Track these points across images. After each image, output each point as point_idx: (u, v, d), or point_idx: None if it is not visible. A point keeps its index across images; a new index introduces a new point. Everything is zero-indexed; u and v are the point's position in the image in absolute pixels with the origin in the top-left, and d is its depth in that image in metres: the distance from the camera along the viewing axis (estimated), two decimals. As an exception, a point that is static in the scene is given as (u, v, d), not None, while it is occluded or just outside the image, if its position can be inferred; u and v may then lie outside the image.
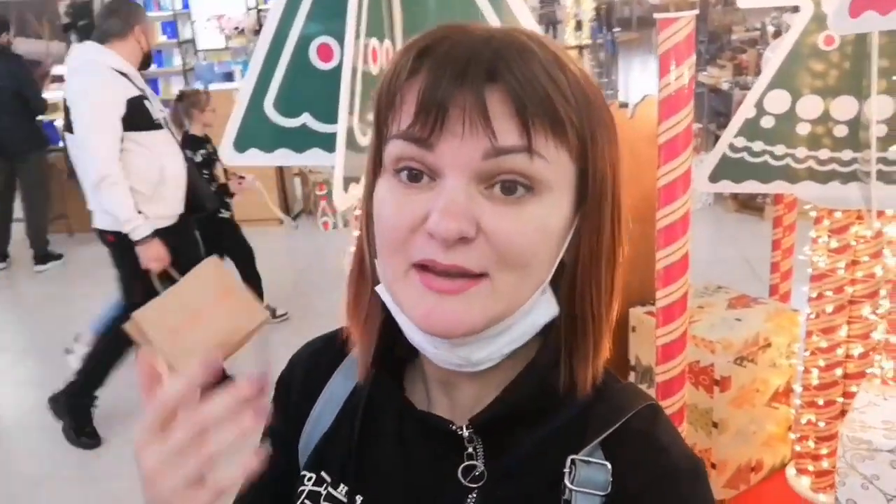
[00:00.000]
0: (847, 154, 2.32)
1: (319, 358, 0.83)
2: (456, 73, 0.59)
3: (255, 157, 2.09)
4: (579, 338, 0.68)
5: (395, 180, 0.63)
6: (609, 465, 0.65)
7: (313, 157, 2.05)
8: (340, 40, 1.96)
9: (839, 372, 2.48)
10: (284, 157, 2.07)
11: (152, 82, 7.45)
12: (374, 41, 1.83)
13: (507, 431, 0.69)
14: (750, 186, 2.43)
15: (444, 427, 0.69)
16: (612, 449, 0.66)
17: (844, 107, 2.28)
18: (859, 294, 2.40)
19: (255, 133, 2.05)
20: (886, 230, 1.78)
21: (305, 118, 2.02)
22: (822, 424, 2.53)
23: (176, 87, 8.95)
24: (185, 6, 9.36)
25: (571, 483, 0.64)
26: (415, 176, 0.62)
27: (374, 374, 0.73)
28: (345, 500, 0.73)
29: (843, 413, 2.54)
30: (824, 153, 2.35)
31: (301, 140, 2.04)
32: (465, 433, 0.69)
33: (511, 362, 0.68)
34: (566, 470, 0.65)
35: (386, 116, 0.64)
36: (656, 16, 1.80)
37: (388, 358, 0.73)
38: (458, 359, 0.66)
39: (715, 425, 2.52)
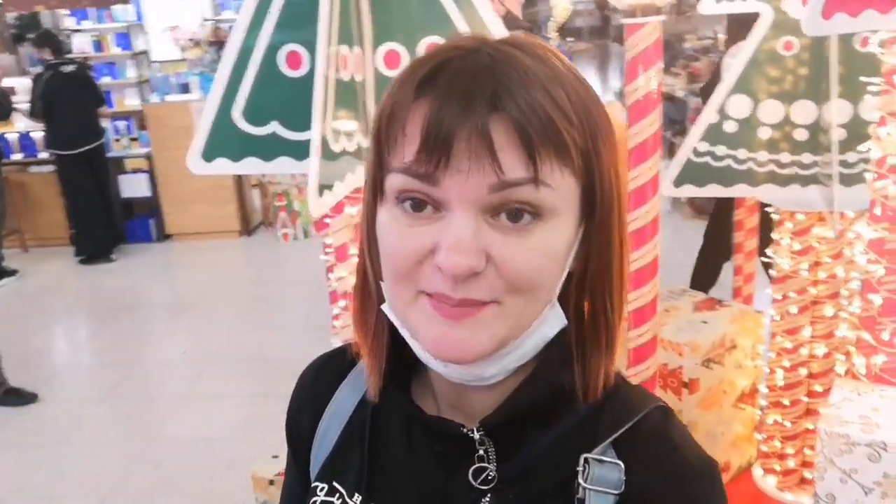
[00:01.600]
0: (807, 157, 2.37)
1: (325, 372, 0.83)
2: (460, 104, 0.58)
3: (222, 167, 2.05)
4: (590, 343, 0.68)
5: (398, 209, 0.62)
6: (622, 465, 0.65)
7: (282, 166, 2.03)
8: (309, 48, 1.95)
9: (804, 371, 2.53)
10: (253, 165, 2.04)
11: (106, 94, 7.30)
12: (344, 48, 1.82)
13: (518, 434, 0.68)
14: (713, 190, 2.46)
15: (455, 430, 0.69)
16: (624, 449, 0.66)
17: (804, 111, 2.34)
18: (822, 295, 2.45)
19: (223, 142, 2.02)
20: (857, 229, 1.82)
21: (274, 126, 2.00)
22: (787, 424, 2.57)
23: (130, 99, 8.81)
24: (139, 18, 9.23)
25: (585, 481, 0.64)
26: (418, 205, 0.61)
27: (382, 386, 0.72)
28: None
29: (808, 412, 2.59)
30: (785, 157, 2.40)
31: (269, 148, 2.01)
32: (476, 436, 0.68)
33: (522, 369, 0.68)
34: (580, 468, 0.65)
35: (386, 142, 0.63)
36: (624, 21, 1.82)
37: (396, 368, 0.72)
38: (469, 376, 0.67)
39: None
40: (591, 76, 14.16)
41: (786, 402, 2.56)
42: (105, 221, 6.89)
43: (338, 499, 0.74)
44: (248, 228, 7.41)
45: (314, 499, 0.76)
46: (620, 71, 10.41)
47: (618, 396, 0.70)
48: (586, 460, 0.65)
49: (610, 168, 0.64)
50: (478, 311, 0.61)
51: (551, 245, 0.62)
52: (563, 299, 0.67)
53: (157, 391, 4.47)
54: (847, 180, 2.23)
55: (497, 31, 1.91)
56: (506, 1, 2.62)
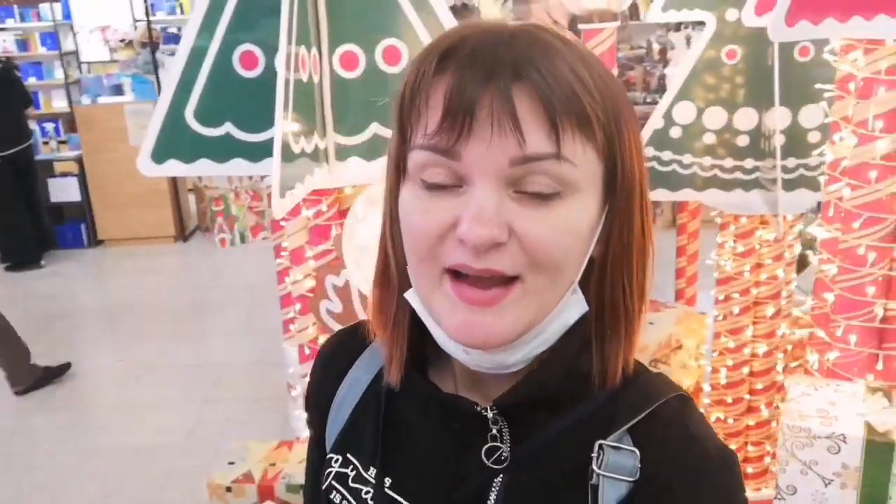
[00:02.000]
0: (749, 163, 2.46)
1: (344, 347, 0.83)
2: (482, 72, 0.58)
3: (174, 168, 2.00)
4: (610, 331, 0.68)
5: (420, 187, 0.62)
6: (637, 452, 0.65)
7: (236, 167, 1.99)
8: (264, 48, 1.93)
9: (746, 370, 2.62)
10: (205, 167, 2.00)
11: (34, 95, 7.05)
12: (302, 49, 1.80)
13: (533, 416, 0.68)
14: (659, 195, 2.53)
15: (469, 408, 0.69)
16: (640, 437, 0.66)
17: (746, 118, 2.42)
18: (763, 295, 2.54)
19: (175, 143, 1.97)
20: (811, 230, 1.89)
21: (228, 127, 1.96)
22: (730, 421, 2.65)
23: (57, 100, 8.53)
24: (67, 17, 8.94)
25: (599, 468, 0.64)
26: (441, 182, 0.61)
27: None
28: (374, 481, 0.73)
29: (749, 409, 2.68)
30: (728, 162, 2.48)
31: (223, 150, 1.98)
32: (490, 414, 0.68)
33: (542, 355, 0.68)
34: (594, 455, 0.65)
35: (409, 120, 0.63)
36: (581, 27, 1.86)
37: (416, 352, 0.72)
38: (491, 363, 0.66)
39: (634, 426, 2.59)
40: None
41: (728, 399, 2.64)
42: (33, 226, 6.64)
43: (352, 470, 0.74)
44: (183, 234, 7.25)
45: (329, 469, 0.76)
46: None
47: (636, 384, 0.70)
48: (601, 446, 0.65)
49: (632, 149, 0.64)
50: (502, 297, 0.61)
51: (574, 222, 0.62)
52: (584, 286, 0.67)
53: (94, 401, 4.33)
54: (787, 185, 2.32)
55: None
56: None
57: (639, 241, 0.67)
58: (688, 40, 5.18)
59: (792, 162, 2.38)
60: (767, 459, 2.68)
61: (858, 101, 1.56)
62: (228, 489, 1.91)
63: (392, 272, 0.70)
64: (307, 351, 2.13)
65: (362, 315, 1.75)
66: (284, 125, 1.68)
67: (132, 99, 6.82)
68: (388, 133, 2.01)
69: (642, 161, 0.66)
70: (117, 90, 7.02)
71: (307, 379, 2.29)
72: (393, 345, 0.72)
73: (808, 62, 2.38)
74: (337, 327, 1.81)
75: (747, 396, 2.65)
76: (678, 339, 2.71)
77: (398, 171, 0.66)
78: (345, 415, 0.78)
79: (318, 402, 0.83)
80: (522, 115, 0.58)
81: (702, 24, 2.47)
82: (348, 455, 0.76)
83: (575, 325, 0.67)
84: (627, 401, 0.68)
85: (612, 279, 0.67)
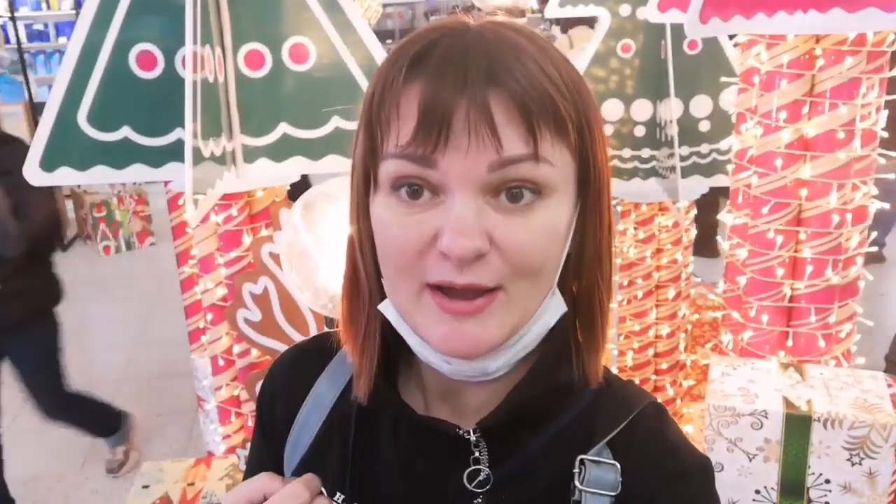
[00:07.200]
0: (646, 152, 2.55)
1: (301, 365, 0.79)
2: (455, 80, 0.57)
3: (66, 177, 1.89)
4: (586, 332, 0.67)
5: (393, 198, 0.60)
6: (618, 465, 0.64)
7: (136, 173, 1.90)
8: (162, 48, 1.85)
9: (651, 352, 2.72)
10: (102, 174, 1.89)
11: None
12: (207, 49, 1.73)
13: (514, 434, 0.67)
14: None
15: (450, 432, 0.66)
16: (620, 449, 0.66)
17: (641, 109, 2.51)
18: (664, 279, 2.64)
19: (67, 150, 1.86)
20: (720, 217, 1.98)
21: (126, 131, 1.86)
22: (638, 402, 2.75)
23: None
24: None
25: (581, 484, 0.63)
26: (415, 192, 0.59)
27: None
28: None
29: (655, 389, 2.78)
30: (626, 152, 2.57)
31: (121, 155, 1.87)
32: (473, 437, 0.66)
33: (519, 363, 0.66)
34: (576, 471, 0.64)
35: (378, 128, 0.60)
36: (488, 24, 1.86)
37: (385, 367, 0.69)
38: (473, 371, 0.64)
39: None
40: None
41: (636, 381, 2.73)
42: None
43: None
44: (62, 242, 6.86)
45: None
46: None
47: (610, 392, 0.69)
48: (582, 462, 0.64)
49: (601, 144, 0.64)
50: (485, 305, 0.60)
51: (552, 224, 0.61)
52: (559, 286, 0.66)
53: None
54: (682, 172, 2.42)
55: (364, 34, 1.89)
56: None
57: (607, 236, 0.67)
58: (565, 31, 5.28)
59: (685, 150, 2.49)
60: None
61: (763, 94, 1.65)
62: (147, 512, 1.82)
63: (363, 283, 0.67)
64: (221, 362, 2.06)
65: (284, 324, 1.71)
66: (193, 128, 1.61)
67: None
68: (296, 132, 1.96)
69: (607, 155, 0.66)
70: (-21, 92, 6.57)
71: (223, 392, 2.20)
72: (363, 356, 0.68)
73: (697, 55, 2.49)
74: (256, 337, 1.75)
75: (654, 377, 2.76)
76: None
77: (367, 183, 0.64)
78: (309, 437, 0.74)
79: (272, 422, 0.78)
80: (500, 121, 0.57)
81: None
82: None
83: (553, 329, 0.66)
84: (604, 411, 0.68)
85: (589, 278, 0.66)
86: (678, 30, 2.35)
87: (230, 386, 2.13)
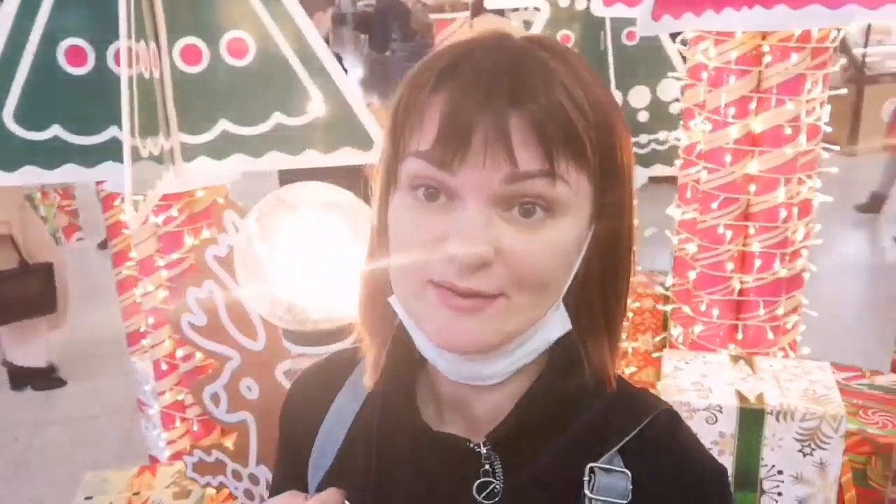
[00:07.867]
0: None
1: (322, 378, 0.80)
2: (478, 97, 0.58)
3: (-8, 179, 1.79)
4: (595, 343, 0.67)
5: (410, 197, 0.62)
6: (629, 473, 0.64)
7: (68, 174, 1.81)
8: (93, 42, 1.76)
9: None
10: (31, 174, 1.80)
11: None
12: (141, 44, 1.66)
13: (525, 445, 0.67)
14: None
15: (461, 445, 0.67)
16: (631, 456, 0.66)
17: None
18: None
19: (-8, 150, 1.76)
20: (668, 212, 2.00)
21: (56, 130, 1.78)
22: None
23: None
24: None
25: (591, 492, 0.63)
26: (432, 194, 0.61)
27: (384, 393, 0.70)
28: None
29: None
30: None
31: (51, 155, 1.79)
32: (483, 450, 0.67)
33: (525, 374, 0.67)
34: (586, 479, 0.64)
35: (403, 130, 0.63)
36: (433, 17, 1.84)
37: (400, 376, 0.70)
38: (468, 372, 0.66)
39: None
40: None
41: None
42: None
43: None
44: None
45: None
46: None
47: (623, 399, 0.69)
48: (592, 470, 0.64)
49: (624, 171, 0.64)
50: (486, 307, 0.61)
51: (561, 243, 0.62)
52: (566, 300, 0.66)
53: None
54: (659, 158, 2.47)
55: (304, 25, 1.84)
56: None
57: (624, 256, 0.67)
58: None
59: (663, 135, 2.51)
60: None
61: (711, 90, 1.66)
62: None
63: (378, 277, 0.69)
64: (164, 366, 1.99)
65: (231, 328, 1.65)
66: (129, 126, 1.54)
67: None
68: (236, 129, 1.90)
69: (631, 178, 0.66)
70: None
71: (166, 397, 2.13)
72: (377, 340, 0.71)
73: (636, 46, 2.52)
74: (201, 341, 1.70)
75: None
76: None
77: (389, 180, 0.66)
78: (332, 450, 0.75)
79: (296, 442, 0.79)
80: (516, 143, 0.58)
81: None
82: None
83: (561, 343, 0.66)
84: (616, 419, 0.67)
85: (598, 297, 0.66)
86: (617, 21, 2.37)
87: (174, 390, 2.07)
